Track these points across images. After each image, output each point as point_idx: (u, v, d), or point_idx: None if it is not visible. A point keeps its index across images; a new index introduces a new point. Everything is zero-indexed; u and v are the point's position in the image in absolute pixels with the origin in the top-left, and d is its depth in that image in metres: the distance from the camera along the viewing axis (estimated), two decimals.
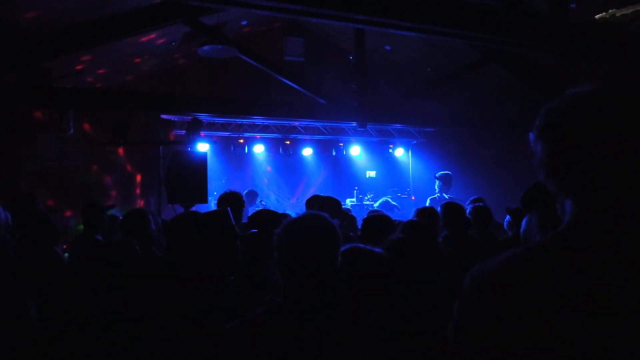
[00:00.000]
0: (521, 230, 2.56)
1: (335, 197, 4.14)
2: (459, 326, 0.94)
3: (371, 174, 10.83)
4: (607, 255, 0.83)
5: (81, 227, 3.96)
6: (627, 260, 0.81)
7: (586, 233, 0.86)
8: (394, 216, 4.41)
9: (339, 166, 10.77)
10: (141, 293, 2.04)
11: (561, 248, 0.86)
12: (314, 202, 4.00)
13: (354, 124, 8.24)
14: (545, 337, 0.82)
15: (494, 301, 0.87)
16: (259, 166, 10.21)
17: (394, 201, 8.21)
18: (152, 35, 7.00)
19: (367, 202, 9.18)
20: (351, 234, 3.59)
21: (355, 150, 10.37)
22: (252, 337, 1.44)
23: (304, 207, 4.23)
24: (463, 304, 0.94)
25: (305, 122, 9.00)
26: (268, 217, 3.06)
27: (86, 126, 8.36)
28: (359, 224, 3.66)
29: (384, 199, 8.27)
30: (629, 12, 4.52)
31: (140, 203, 8.91)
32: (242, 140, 9.46)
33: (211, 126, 8.73)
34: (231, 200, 3.55)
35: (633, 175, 0.82)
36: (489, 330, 0.87)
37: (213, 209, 3.73)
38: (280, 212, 3.83)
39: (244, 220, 3.78)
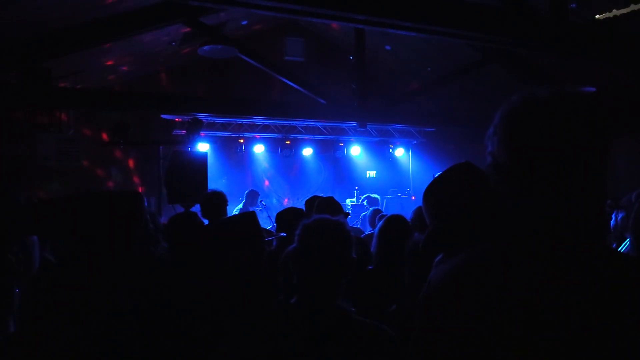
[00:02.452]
0: None
1: (335, 197, 4.12)
2: (420, 325, 0.95)
3: (371, 174, 10.84)
4: (557, 248, 0.86)
5: None
6: (573, 250, 0.86)
7: (539, 227, 0.89)
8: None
9: (339, 166, 10.77)
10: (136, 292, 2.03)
11: (515, 244, 0.90)
12: (312, 202, 3.98)
13: (354, 124, 8.23)
14: (509, 330, 0.83)
15: (452, 300, 0.89)
16: (259, 166, 10.21)
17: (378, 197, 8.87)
18: (152, 35, 6.99)
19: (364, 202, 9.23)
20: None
21: (356, 150, 10.37)
22: (260, 335, 1.44)
23: (304, 207, 4.20)
24: (423, 304, 0.96)
25: (305, 122, 9.00)
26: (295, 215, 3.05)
27: (86, 126, 8.36)
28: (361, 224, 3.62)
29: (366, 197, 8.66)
30: (628, 12, 4.52)
31: None
32: (242, 140, 9.46)
33: (211, 126, 8.73)
34: (215, 200, 3.55)
35: (571, 171, 0.87)
36: (448, 328, 0.88)
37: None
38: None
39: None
